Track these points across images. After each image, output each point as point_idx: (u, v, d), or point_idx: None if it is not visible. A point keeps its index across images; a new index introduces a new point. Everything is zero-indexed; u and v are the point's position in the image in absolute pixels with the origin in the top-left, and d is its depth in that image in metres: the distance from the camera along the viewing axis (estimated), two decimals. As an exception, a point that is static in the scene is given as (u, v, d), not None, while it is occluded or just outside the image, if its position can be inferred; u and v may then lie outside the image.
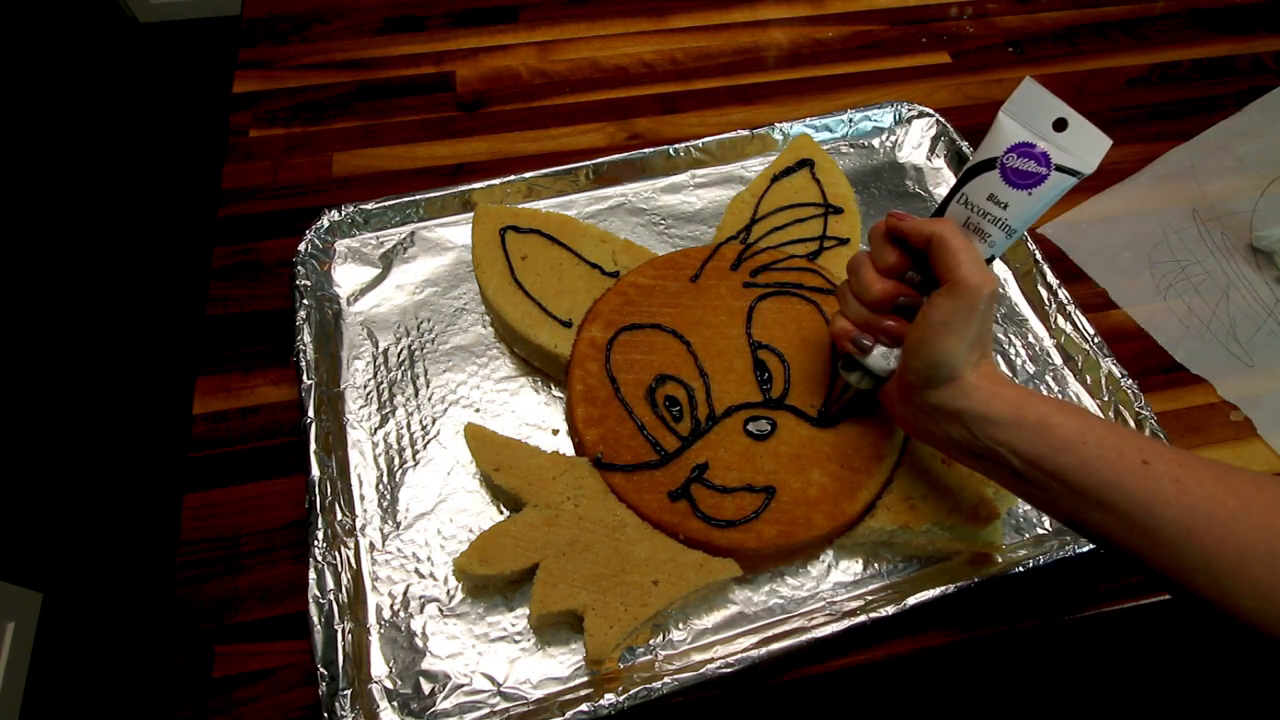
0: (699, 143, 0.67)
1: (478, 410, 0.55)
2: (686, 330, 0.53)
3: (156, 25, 1.88)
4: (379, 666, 0.45)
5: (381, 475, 0.52)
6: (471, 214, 0.61)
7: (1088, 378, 0.56)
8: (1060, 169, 0.39)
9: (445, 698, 0.44)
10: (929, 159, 0.69)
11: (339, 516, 0.49)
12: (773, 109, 0.73)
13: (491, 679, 0.45)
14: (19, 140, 1.60)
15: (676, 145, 0.66)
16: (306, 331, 0.55)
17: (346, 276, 0.61)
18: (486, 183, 0.63)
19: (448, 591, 0.47)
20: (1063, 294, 0.58)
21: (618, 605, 0.44)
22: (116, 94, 1.75)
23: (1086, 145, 0.39)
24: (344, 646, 0.44)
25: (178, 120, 1.71)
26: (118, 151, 1.65)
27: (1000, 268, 0.63)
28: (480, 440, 0.50)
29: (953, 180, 0.68)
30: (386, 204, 0.62)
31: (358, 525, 0.50)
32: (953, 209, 0.42)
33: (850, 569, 0.49)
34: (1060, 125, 0.40)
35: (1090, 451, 0.35)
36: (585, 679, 0.45)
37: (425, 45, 0.78)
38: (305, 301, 0.57)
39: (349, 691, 0.43)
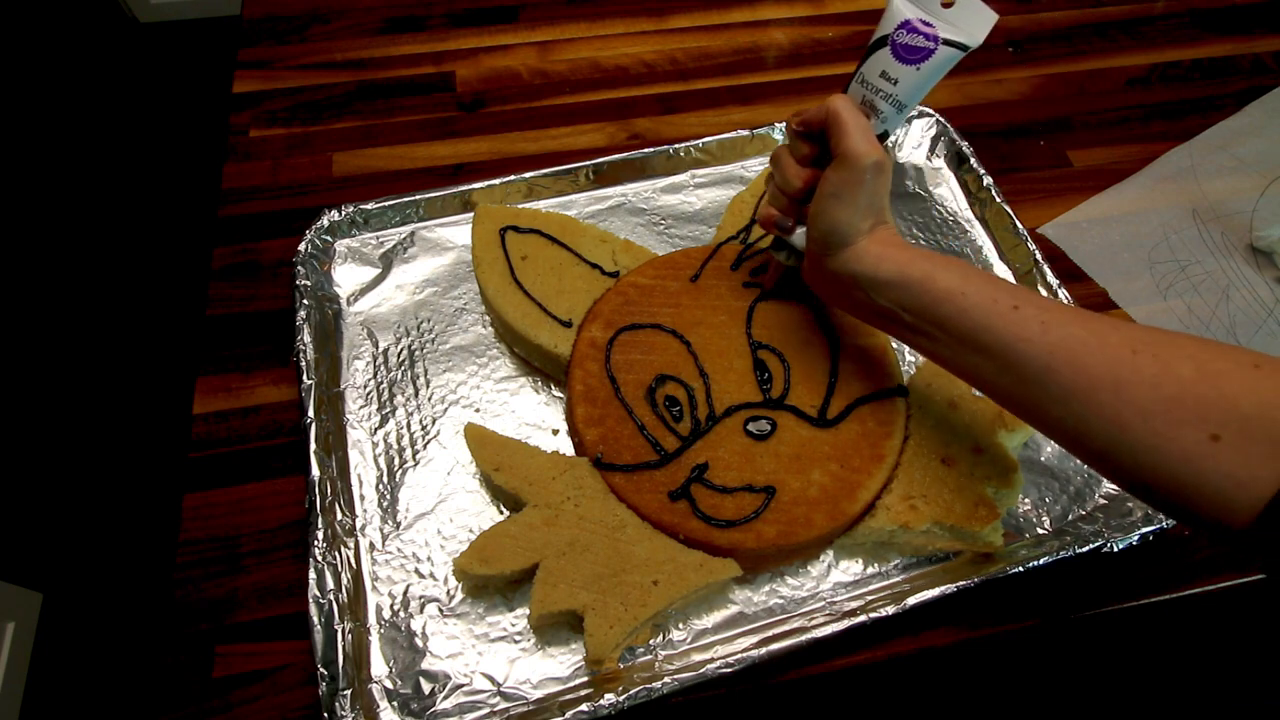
0: (699, 143, 0.67)
1: (478, 410, 0.55)
2: (686, 330, 0.53)
3: (156, 25, 1.88)
4: (379, 666, 0.45)
5: (381, 475, 0.52)
6: (471, 214, 0.61)
7: (1088, 378, 0.56)
8: (947, 43, 0.41)
9: (445, 698, 0.44)
10: (929, 159, 0.69)
11: (339, 516, 0.49)
12: (773, 109, 0.73)
13: (491, 679, 0.45)
14: (19, 140, 1.60)
15: (676, 145, 0.66)
16: (306, 331, 0.55)
17: (346, 276, 0.61)
18: (486, 183, 0.63)
19: (448, 591, 0.47)
20: (1063, 294, 0.58)
21: (618, 605, 0.44)
22: (116, 94, 1.75)
23: (974, 20, 0.42)
24: (344, 646, 0.44)
25: (178, 120, 1.71)
26: (118, 151, 1.65)
27: (1000, 268, 0.63)
28: (480, 440, 0.50)
29: (953, 180, 0.68)
30: (386, 204, 0.62)
31: (358, 525, 0.50)
32: (852, 88, 0.44)
33: (850, 569, 0.49)
34: (950, 1, 0.42)
35: (968, 300, 0.39)
36: (585, 679, 0.45)
37: (425, 45, 0.78)
38: (305, 301, 0.57)
39: (349, 691, 0.43)
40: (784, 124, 0.68)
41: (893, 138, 0.70)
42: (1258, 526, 0.30)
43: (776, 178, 0.47)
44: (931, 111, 0.69)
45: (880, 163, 0.41)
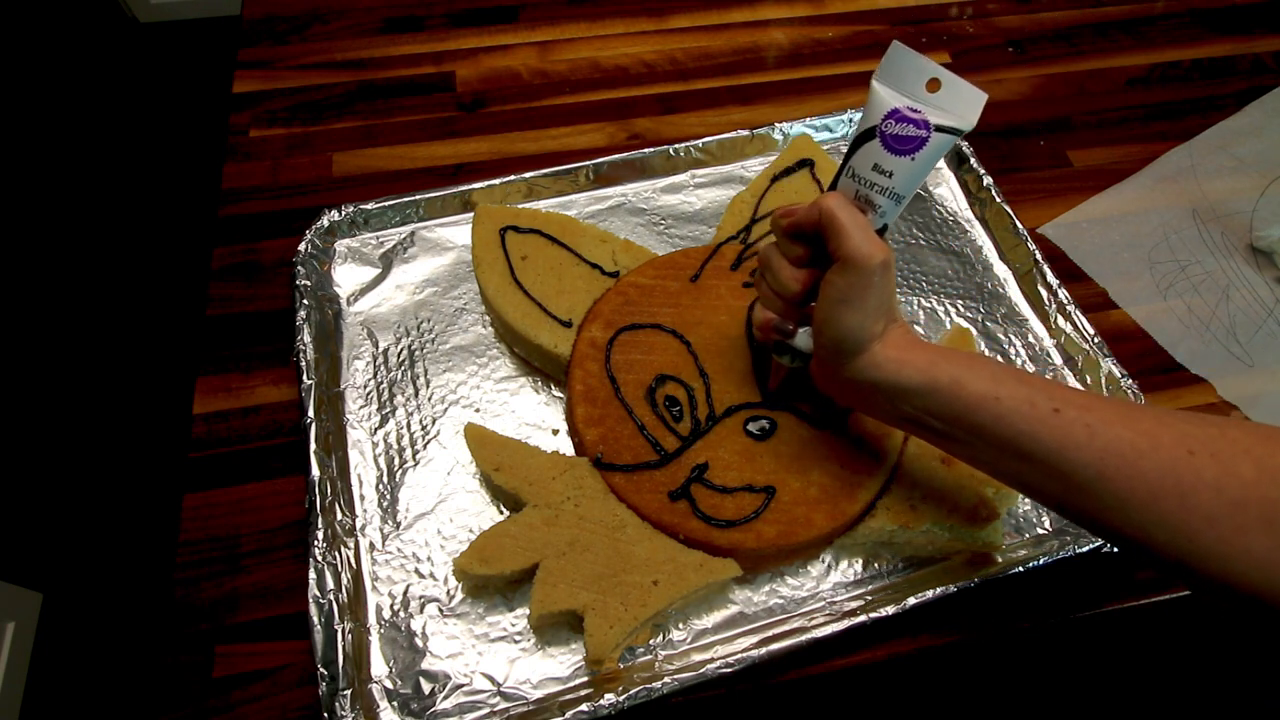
0: (699, 143, 0.67)
1: (478, 410, 0.55)
2: (686, 330, 0.53)
3: (156, 25, 1.88)
4: (379, 666, 0.45)
5: (381, 475, 0.52)
6: (471, 214, 0.61)
7: (1088, 378, 0.56)
8: (940, 129, 0.39)
9: (445, 698, 0.44)
10: (929, 159, 0.69)
11: (339, 516, 0.49)
12: (773, 109, 0.73)
13: (491, 679, 0.45)
14: (19, 140, 1.60)
15: (676, 145, 0.66)
16: (306, 331, 0.55)
17: (346, 276, 0.61)
18: (486, 183, 0.63)
19: (448, 591, 0.47)
20: (1063, 294, 0.58)
21: (618, 605, 0.44)
22: (116, 94, 1.75)
23: (963, 102, 0.39)
24: (344, 646, 0.44)
25: (178, 120, 1.71)
26: (118, 151, 1.65)
27: (1000, 268, 0.63)
28: (480, 440, 0.50)
29: (953, 180, 0.68)
30: (386, 204, 0.62)
31: (358, 525, 0.50)
32: (842, 183, 0.41)
33: (850, 569, 0.49)
34: (935, 85, 0.39)
35: (1004, 406, 0.36)
36: (585, 679, 0.45)
37: (425, 45, 0.78)
38: (305, 301, 0.57)
39: (349, 691, 0.43)
40: (782, 125, 0.68)
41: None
42: None
43: (770, 281, 0.43)
44: (931, 111, 0.69)
45: (887, 261, 0.38)
